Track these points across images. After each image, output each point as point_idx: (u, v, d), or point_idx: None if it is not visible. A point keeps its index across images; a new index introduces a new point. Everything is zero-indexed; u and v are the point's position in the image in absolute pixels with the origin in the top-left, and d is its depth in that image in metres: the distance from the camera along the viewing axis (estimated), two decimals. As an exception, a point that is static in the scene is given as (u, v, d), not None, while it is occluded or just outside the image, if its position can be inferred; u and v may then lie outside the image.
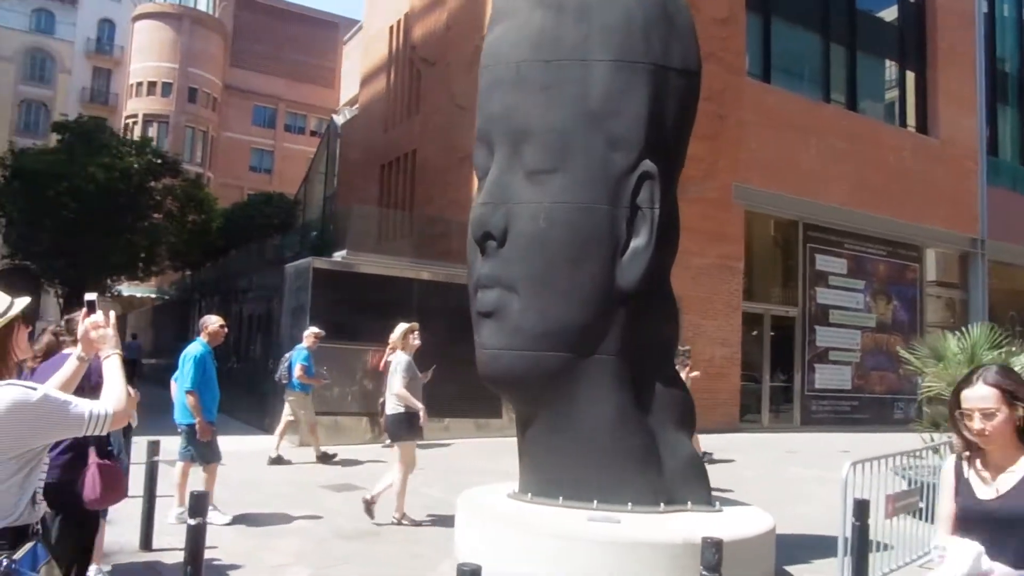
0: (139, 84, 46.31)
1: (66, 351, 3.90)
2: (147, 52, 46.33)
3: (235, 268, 17.13)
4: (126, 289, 35.73)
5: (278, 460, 9.73)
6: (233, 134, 49.50)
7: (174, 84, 46.07)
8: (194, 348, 6.55)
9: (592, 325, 5.85)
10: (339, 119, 21.81)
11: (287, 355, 10.30)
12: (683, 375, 11.58)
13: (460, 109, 14.76)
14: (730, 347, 15.08)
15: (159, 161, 16.83)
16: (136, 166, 15.18)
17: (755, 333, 16.22)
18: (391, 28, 18.91)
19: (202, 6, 48.65)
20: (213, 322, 6.86)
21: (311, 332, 10.14)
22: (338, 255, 12.82)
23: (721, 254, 15.23)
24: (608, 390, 5.82)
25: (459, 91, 14.98)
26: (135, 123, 45.82)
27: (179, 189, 15.95)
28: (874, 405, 17.31)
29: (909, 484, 8.30)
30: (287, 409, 10.21)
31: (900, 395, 17.51)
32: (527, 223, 6.10)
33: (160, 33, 46.28)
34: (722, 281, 15.20)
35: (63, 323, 4.34)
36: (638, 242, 5.99)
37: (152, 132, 45.68)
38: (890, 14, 19.79)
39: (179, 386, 6.59)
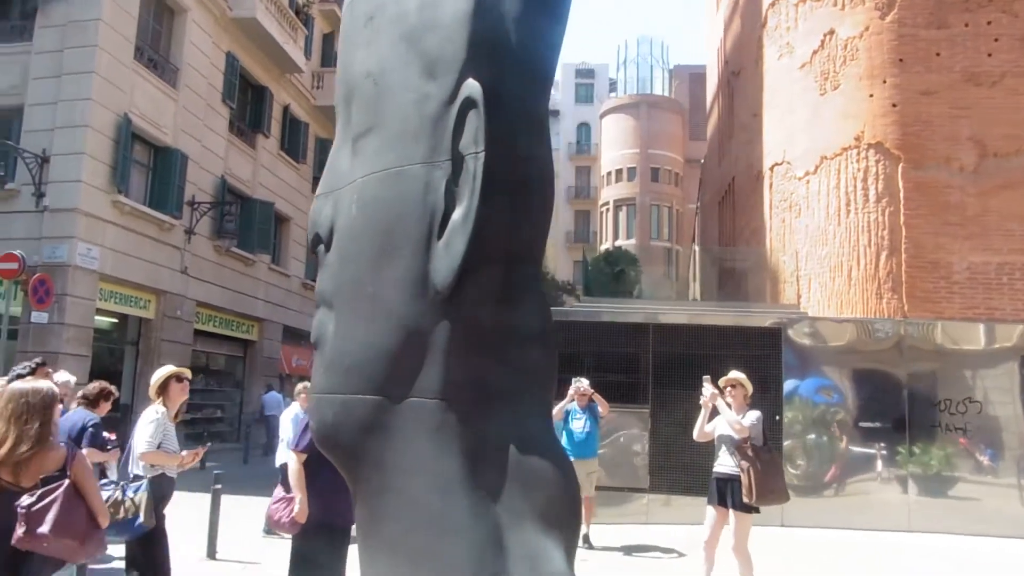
0: (609, 174, 49.86)
1: None
2: (614, 143, 49.82)
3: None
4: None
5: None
6: (696, 205, 49.86)
7: (637, 168, 48.45)
8: None
9: (401, 350, 3.66)
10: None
11: None
12: None
13: (754, 117, 12.15)
14: None
15: None
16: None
17: None
18: (717, 49, 16.88)
19: (658, 90, 50.74)
20: None
21: None
22: (580, 304, 11.35)
23: None
24: (426, 454, 3.54)
25: (751, 95, 12.40)
26: (607, 209, 49.29)
27: None
28: None
29: None
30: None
31: None
32: (344, 212, 4.23)
33: (623, 123, 49.44)
34: None
35: None
36: (457, 214, 3.65)
37: (622, 216, 48.68)
38: None
39: None
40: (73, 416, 6.28)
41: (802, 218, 11.10)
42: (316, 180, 24.04)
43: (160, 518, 5.09)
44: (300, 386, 8.62)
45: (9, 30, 15.21)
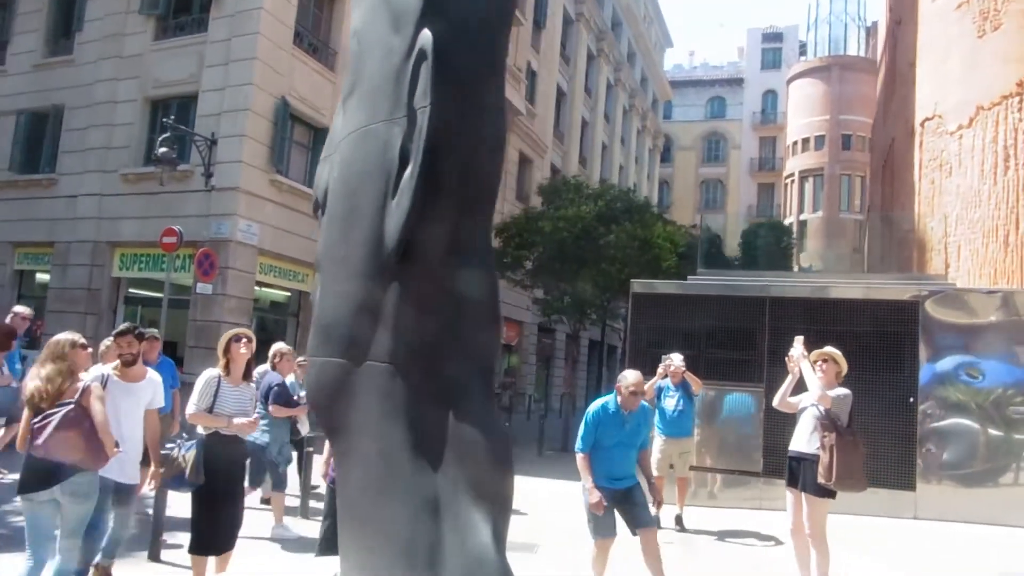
0: (795, 143, 47.04)
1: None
2: (800, 111, 46.90)
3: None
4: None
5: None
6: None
7: (826, 136, 45.33)
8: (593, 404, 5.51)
9: (360, 313, 3.71)
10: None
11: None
12: None
13: (911, 69, 10.98)
14: None
15: (619, 205, 16.81)
16: (585, 214, 15.54)
17: None
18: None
19: (852, 50, 47.01)
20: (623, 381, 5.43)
21: None
22: (695, 277, 10.67)
23: None
24: (376, 418, 3.59)
25: (909, 44, 11.16)
26: (792, 181, 46.56)
27: (623, 232, 15.55)
28: None
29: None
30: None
31: None
32: (331, 175, 4.27)
33: (810, 89, 46.37)
34: None
35: None
36: (407, 171, 3.56)
37: (808, 187, 45.80)
38: None
39: None
40: (268, 378, 7.40)
41: (953, 178, 9.78)
42: (476, 155, 24.39)
43: (227, 479, 5.19)
44: None
45: (190, 23, 16.68)
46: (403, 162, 3.57)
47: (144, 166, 16.01)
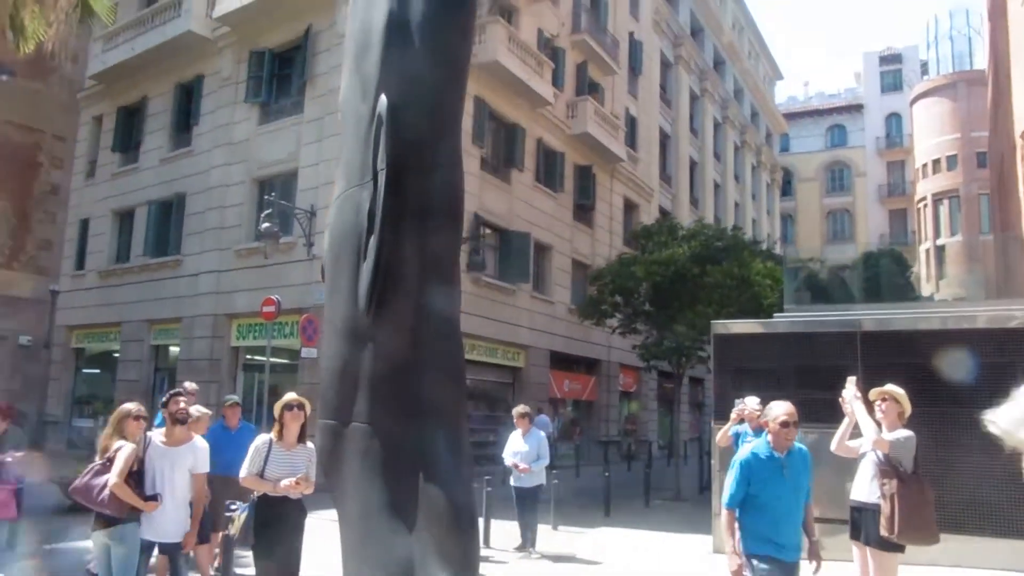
0: (924, 165, 44.48)
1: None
2: (929, 131, 44.40)
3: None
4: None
5: None
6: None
7: (958, 155, 42.62)
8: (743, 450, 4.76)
9: (344, 374, 3.82)
10: None
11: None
12: None
13: (1007, 77, 10.25)
14: None
15: (719, 244, 16.15)
16: (679, 255, 15.05)
17: None
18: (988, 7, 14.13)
19: (979, 64, 44.28)
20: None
21: None
22: (781, 314, 10.08)
23: None
24: (357, 479, 3.65)
25: (1002, 49, 10.41)
26: (925, 205, 43.90)
27: (719, 272, 14.90)
28: None
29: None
30: None
31: None
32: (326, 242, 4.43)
33: (937, 108, 43.88)
34: None
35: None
36: (373, 236, 3.66)
37: (943, 210, 43.03)
38: None
39: None
40: None
41: (1059, 191, 8.93)
42: (577, 208, 24.54)
43: (278, 537, 5.38)
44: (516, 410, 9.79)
45: (289, 106, 17.78)
46: (372, 223, 3.65)
47: (254, 241, 16.97)
